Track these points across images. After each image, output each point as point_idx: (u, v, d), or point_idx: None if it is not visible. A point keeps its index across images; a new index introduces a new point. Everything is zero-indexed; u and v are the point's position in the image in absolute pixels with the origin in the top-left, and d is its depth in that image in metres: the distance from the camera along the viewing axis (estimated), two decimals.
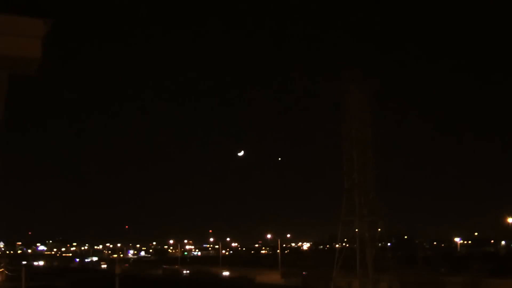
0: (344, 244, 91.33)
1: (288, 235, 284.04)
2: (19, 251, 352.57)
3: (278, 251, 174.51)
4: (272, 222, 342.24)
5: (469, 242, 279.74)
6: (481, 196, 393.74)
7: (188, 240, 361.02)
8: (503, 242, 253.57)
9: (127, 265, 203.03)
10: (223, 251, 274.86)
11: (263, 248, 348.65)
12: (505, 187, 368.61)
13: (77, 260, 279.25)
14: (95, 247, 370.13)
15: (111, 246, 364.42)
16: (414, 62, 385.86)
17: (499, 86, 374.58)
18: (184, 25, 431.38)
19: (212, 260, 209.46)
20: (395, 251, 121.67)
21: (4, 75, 6.87)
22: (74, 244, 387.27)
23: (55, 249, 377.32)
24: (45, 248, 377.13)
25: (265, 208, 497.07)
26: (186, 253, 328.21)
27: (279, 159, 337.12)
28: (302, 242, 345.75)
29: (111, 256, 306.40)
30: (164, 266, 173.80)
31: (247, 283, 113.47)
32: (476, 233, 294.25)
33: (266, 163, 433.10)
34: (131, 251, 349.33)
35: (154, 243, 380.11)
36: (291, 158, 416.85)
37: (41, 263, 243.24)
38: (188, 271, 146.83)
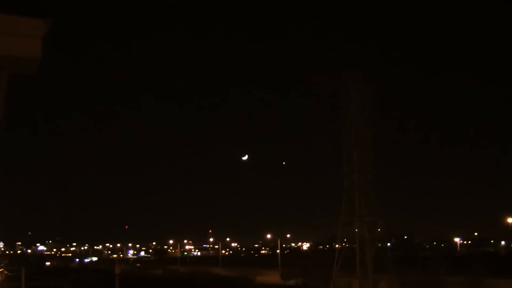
0: (344, 244, 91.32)
1: (288, 235, 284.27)
2: (19, 251, 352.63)
3: (278, 251, 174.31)
4: (272, 222, 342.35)
5: (469, 242, 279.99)
6: (481, 196, 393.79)
7: (188, 240, 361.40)
8: (503, 242, 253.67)
9: (139, 265, 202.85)
10: (223, 251, 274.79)
11: (263, 248, 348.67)
12: (505, 187, 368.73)
13: (77, 260, 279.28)
14: (95, 247, 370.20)
15: (111, 246, 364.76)
16: (415, 62, 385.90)
17: (500, 87, 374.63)
18: (184, 26, 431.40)
19: (212, 260, 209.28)
20: (395, 251, 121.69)
21: (4, 75, 6.85)
22: (74, 244, 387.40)
23: (55, 249, 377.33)
24: (45, 248, 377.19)
25: (265, 208, 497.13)
26: (186, 253, 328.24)
27: (283, 163, 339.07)
28: (302, 242, 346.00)
29: (111, 256, 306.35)
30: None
31: (247, 283, 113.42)
32: (476, 233, 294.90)
33: (266, 163, 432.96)
34: (131, 251, 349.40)
35: (154, 243, 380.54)
36: (291, 158, 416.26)
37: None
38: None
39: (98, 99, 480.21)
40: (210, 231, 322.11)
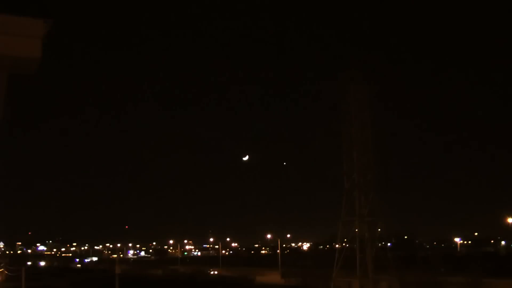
0: (344, 244, 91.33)
1: (288, 235, 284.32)
2: (19, 251, 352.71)
3: (278, 251, 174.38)
4: (272, 222, 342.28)
5: (469, 242, 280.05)
6: (481, 196, 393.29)
7: (188, 240, 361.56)
8: (503, 242, 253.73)
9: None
10: (223, 251, 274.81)
11: (263, 248, 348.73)
12: (505, 187, 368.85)
13: (77, 260, 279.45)
14: (95, 247, 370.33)
15: (111, 246, 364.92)
16: (416, 62, 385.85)
17: (499, 86, 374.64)
18: (184, 25, 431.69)
19: (212, 260, 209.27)
20: (395, 251, 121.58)
21: (4, 75, 6.87)
22: (74, 244, 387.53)
23: (55, 249, 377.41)
24: (45, 248, 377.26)
25: (265, 208, 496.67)
26: (186, 253, 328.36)
27: (284, 163, 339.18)
28: (302, 242, 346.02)
29: (111, 256, 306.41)
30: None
31: (247, 283, 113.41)
32: (476, 233, 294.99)
33: (266, 163, 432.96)
34: (131, 251, 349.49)
35: (154, 243, 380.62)
36: (291, 158, 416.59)
37: (42, 263, 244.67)
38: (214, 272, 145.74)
39: (98, 99, 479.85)
40: (210, 231, 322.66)
